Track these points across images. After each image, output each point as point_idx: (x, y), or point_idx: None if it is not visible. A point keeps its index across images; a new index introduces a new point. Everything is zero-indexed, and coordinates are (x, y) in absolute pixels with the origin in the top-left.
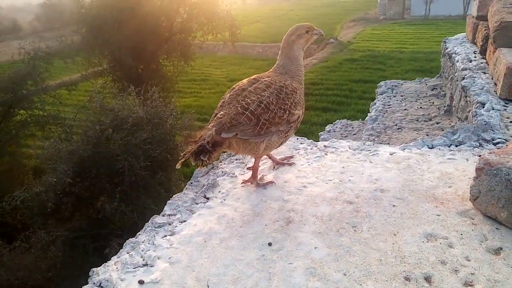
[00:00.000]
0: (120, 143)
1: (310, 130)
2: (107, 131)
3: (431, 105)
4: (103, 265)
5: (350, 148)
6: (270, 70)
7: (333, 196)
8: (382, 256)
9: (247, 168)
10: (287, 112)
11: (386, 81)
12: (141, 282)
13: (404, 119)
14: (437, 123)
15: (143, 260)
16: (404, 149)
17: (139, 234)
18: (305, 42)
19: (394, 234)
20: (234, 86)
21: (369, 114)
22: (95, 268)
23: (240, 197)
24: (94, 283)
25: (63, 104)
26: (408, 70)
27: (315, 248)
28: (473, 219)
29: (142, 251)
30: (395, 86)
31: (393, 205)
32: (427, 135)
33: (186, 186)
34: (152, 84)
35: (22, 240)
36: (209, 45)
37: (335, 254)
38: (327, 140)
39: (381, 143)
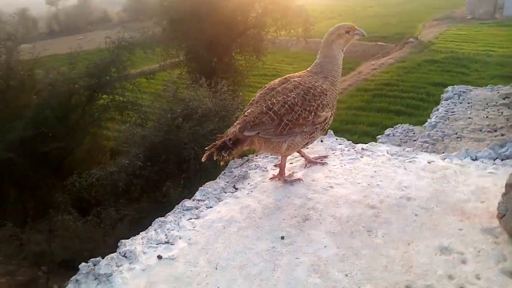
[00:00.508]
0: (188, 132)
1: (375, 132)
2: (177, 120)
3: (499, 115)
4: (131, 238)
5: (387, 153)
6: (307, 69)
7: (357, 199)
8: (389, 263)
9: (274, 165)
10: (313, 113)
11: (455, 86)
12: (159, 257)
13: (466, 128)
14: (502, 135)
15: (166, 238)
16: (444, 159)
17: (168, 215)
18: (345, 43)
19: (408, 243)
20: (266, 85)
21: (428, 120)
22: (123, 240)
23: (267, 190)
24: (119, 253)
25: (141, 92)
26: (494, 75)
27: (325, 247)
28: (496, 238)
29: (167, 230)
30: (463, 92)
31: (415, 214)
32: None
33: (220, 175)
34: (224, 77)
35: (94, 215)
36: (282, 40)
37: (342, 255)
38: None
39: (422, 151)
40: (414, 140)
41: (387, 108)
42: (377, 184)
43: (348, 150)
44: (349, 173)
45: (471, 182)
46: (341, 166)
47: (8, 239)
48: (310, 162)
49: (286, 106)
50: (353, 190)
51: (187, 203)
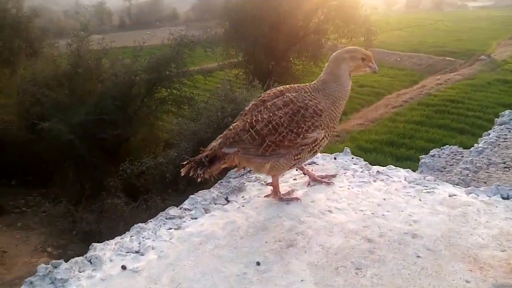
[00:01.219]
0: None
1: (427, 149)
2: (226, 119)
3: None
4: (104, 242)
5: (405, 179)
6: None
7: (354, 229)
8: None
9: (266, 184)
10: (301, 136)
11: None
12: (123, 267)
13: None
14: None
15: (139, 246)
16: (469, 193)
17: (150, 221)
18: (355, 69)
19: None
20: (260, 95)
21: (475, 145)
22: (96, 244)
23: (259, 206)
24: (85, 257)
25: (198, 88)
26: None
27: (302, 280)
28: None
29: (143, 238)
30: None
31: (418, 256)
32: None
33: (215, 185)
34: (279, 81)
35: (141, 202)
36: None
37: None
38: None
39: (445, 182)
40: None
41: (449, 126)
42: (383, 214)
43: (362, 172)
44: (354, 197)
45: (494, 225)
46: (348, 188)
47: (63, 215)
48: (314, 180)
49: (270, 126)
50: (353, 217)
51: (172, 211)
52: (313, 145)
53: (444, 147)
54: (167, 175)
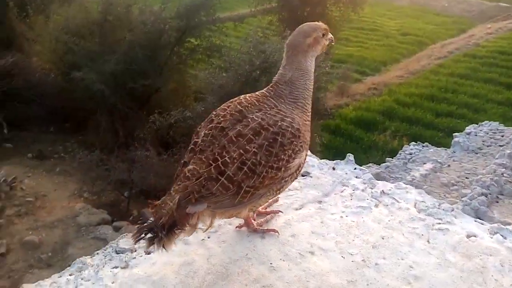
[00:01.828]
0: (264, 86)
1: (478, 106)
2: (255, 73)
3: None
4: (37, 282)
5: (414, 206)
6: (268, 87)
7: (336, 284)
8: None
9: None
10: (282, 169)
11: None
12: None
13: None
14: None
15: None
16: (494, 234)
17: (97, 253)
18: (321, 50)
19: None
20: (212, 115)
21: None
22: (26, 285)
23: (226, 240)
24: None
25: (229, 35)
26: None
27: None
28: None
29: (82, 279)
30: None
31: None
32: None
33: None
34: None
35: (169, 154)
36: None
37: None
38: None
39: (465, 214)
40: (500, 146)
41: (496, 80)
42: (376, 264)
43: (363, 191)
44: (346, 232)
45: None
46: (341, 217)
47: (97, 164)
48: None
49: (245, 168)
50: (338, 265)
51: (123, 242)
52: (297, 172)
53: (483, 123)
54: (195, 130)
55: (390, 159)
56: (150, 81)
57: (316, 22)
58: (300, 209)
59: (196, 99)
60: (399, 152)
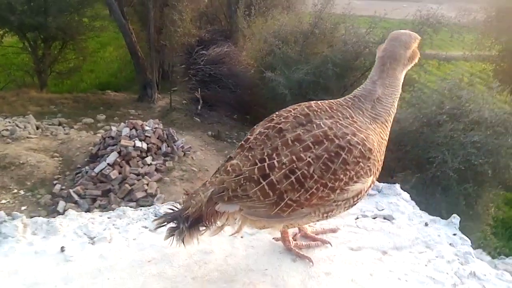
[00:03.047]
0: (447, 133)
1: None
2: (440, 116)
3: None
4: None
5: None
6: (346, 97)
7: None
8: None
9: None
10: (338, 191)
11: None
12: None
13: None
14: None
15: None
16: None
17: (140, 209)
18: (411, 62)
19: None
20: (274, 115)
21: None
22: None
23: (256, 247)
24: None
25: (429, 73)
26: None
27: None
28: None
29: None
30: None
31: None
32: None
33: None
34: None
35: None
36: None
37: None
38: None
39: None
40: None
41: None
42: None
43: (448, 262)
44: None
45: None
46: (399, 279)
47: None
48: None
49: (293, 178)
50: None
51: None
52: (355, 199)
53: None
54: None
55: None
56: (331, 98)
57: (412, 32)
58: (355, 250)
59: None
60: None
